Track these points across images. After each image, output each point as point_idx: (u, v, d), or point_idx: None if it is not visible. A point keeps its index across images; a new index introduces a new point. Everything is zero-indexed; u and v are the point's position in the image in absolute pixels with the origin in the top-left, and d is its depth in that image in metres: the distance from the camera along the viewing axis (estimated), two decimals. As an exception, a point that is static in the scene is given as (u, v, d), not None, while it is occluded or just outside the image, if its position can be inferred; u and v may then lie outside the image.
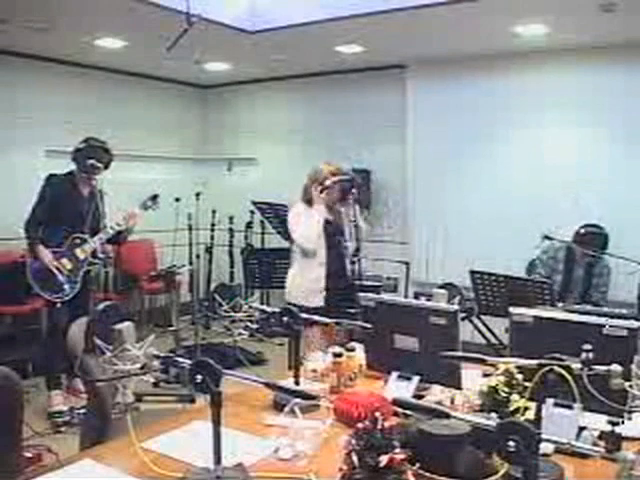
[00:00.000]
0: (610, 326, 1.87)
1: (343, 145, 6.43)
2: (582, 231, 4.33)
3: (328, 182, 3.75)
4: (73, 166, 4.18)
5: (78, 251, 4.06)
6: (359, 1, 4.37)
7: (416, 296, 4.17)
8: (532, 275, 4.55)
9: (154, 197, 4.38)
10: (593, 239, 4.28)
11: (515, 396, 1.88)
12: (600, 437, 1.82)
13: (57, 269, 4.01)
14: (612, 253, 4.29)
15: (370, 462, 1.46)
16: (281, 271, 5.80)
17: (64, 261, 4.05)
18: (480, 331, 4.48)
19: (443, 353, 2.00)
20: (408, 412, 1.81)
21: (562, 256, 4.41)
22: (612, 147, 5.15)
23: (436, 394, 2.24)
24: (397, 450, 1.48)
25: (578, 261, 4.37)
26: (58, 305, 4.04)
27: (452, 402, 2.16)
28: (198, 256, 6.35)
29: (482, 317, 4.42)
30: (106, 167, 4.15)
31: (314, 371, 2.57)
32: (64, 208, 4.08)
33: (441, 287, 3.38)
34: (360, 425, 1.52)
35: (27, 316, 5.12)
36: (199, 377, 1.54)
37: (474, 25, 4.65)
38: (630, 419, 1.77)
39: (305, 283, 3.81)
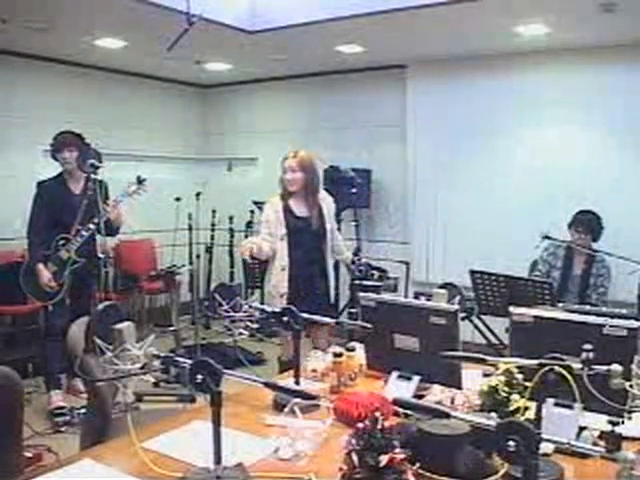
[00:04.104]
0: (610, 326, 1.87)
1: (344, 145, 6.44)
2: (574, 215, 4.37)
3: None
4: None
5: (62, 252, 4.04)
6: (359, 1, 4.36)
7: (416, 296, 4.16)
8: (533, 273, 4.55)
9: (139, 181, 4.10)
10: (584, 219, 4.31)
11: (515, 396, 1.88)
12: (600, 437, 1.82)
13: (49, 286, 4.02)
14: (612, 253, 4.29)
15: (370, 462, 1.46)
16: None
17: (49, 264, 4.04)
18: (480, 331, 4.48)
19: (443, 353, 2.00)
20: (408, 412, 1.81)
21: (562, 254, 4.41)
22: (612, 147, 5.15)
23: (436, 394, 2.24)
24: (397, 450, 1.48)
25: (577, 257, 4.37)
26: (50, 308, 4.04)
27: (452, 402, 2.16)
28: (198, 256, 6.35)
29: (482, 317, 4.43)
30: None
31: (314, 371, 2.57)
32: (60, 211, 4.07)
33: (441, 287, 3.38)
34: (360, 425, 1.52)
35: (27, 316, 5.12)
36: (199, 377, 1.54)
37: (474, 25, 4.65)
38: (630, 419, 1.77)
39: (267, 287, 3.66)
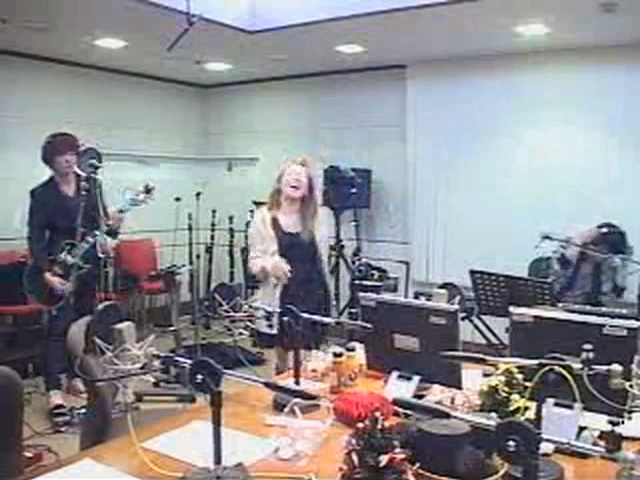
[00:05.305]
0: (610, 326, 1.87)
1: (343, 145, 6.44)
2: (604, 230, 4.30)
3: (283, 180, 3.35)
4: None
5: (68, 257, 4.00)
6: (359, 1, 4.36)
7: (416, 296, 4.17)
8: (546, 272, 4.49)
9: (147, 189, 3.98)
10: (615, 239, 4.27)
11: (515, 396, 1.88)
12: (600, 437, 1.82)
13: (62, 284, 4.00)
14: (620, 254, 4.28)
15: (370, 462, 1.46)
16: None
17: (55, 269, 4.02)
18: (480, 331, 4.48)
19: (443, 353, 2.00)
20: (408, 412, 1.81)
21: (575, 252, 4.36)
22: (612, 147, 5.15)
23: (436, 394, 2.24)
24: (397, 450, 1.48)
25: (589, 260, 4.35)
26: (54, 312, 4.04)
27: (452, 402, 2.16)
28: (198, 256, 6.35)
29: (482, 317, 4.43)
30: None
31: (314, 371, 2.57)
32: (55, 215, 4.04)
33: (441, 287, 3.38)
34: (360, 425, 1.52)
35: (28, 316, 5.12)
36: (199, 377, 1.54)
37: (474, 25, 4.65)
38: (630, 419, 1.77)
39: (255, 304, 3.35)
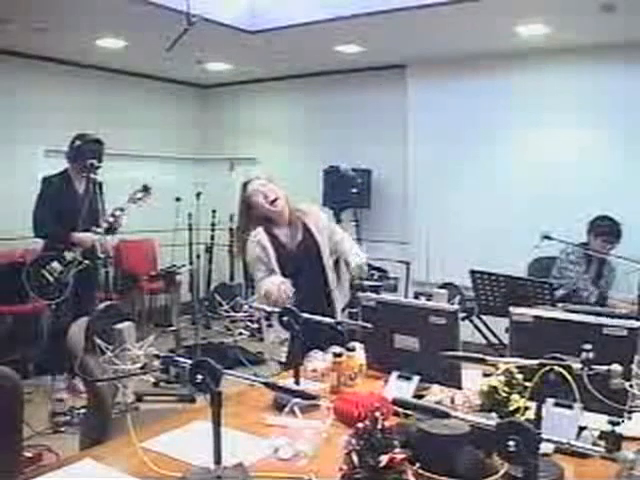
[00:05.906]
0: (610, 326, 1.87)
1: (343, 145, 6.43)
2: (599, 222, 4.29)
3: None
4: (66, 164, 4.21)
5: (66, 253, 4.05)
6: (359, 1, 4.37)
7: (416, 296, 4.16)
8: (555, 275, 4.46)
9: (145, 188, 4.08)
10: (612, 228, 4.26)
11: (515, 396, 1.87)
12: (600, 437, 1.82)
13: (49, 273, 4.01)
14: (612, 253, 4.29)
15: (370, 462, 1.46)
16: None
17: (55, 265, 4.04)
18: (480, 331, 4.48)
19: (443, 353, 2.00)
20: (408, 412, 1.81)
21: (582, 254, 4.35)
22: (612, 147, 5.15)
23: (436, 394, 2.24)
24: (397, 450, 1.48)
25: (592, 260, 4.35)
26: (53, 306, 4.05)
27: (452, 402, 2.16)
28: (198, 256, 6.35)
29: (482, 317, 4.43)
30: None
31: (314, 371, 2.57)
32: (62, 208, 4.10)
33: (441, 287, 3.38)
34: (360, 425, 1.52)
35: (28, 316, 5.12)
36: (199, 377, 1.54)
37: (475, 25, 4.65)
38: (630, 419, 1.77)
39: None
